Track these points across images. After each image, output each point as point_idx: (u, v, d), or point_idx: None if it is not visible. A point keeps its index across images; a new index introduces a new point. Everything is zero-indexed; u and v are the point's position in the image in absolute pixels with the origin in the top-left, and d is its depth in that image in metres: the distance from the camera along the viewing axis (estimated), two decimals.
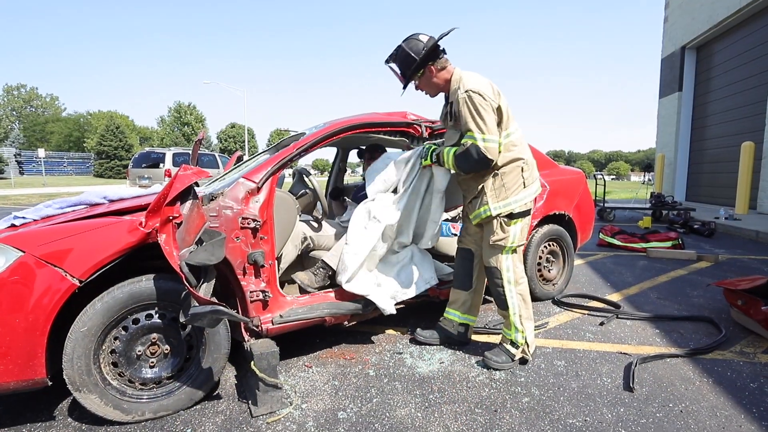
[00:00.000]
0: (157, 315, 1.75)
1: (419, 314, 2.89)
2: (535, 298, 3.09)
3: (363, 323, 2.64)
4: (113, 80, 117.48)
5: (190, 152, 2.43)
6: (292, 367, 2.23)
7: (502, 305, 2.18)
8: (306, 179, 2.65)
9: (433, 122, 2.68)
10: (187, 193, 1.80)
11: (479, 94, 1.97)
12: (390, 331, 2.66)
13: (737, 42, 9.70)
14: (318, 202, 2.63)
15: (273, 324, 2.06)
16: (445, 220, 3.21)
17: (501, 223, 2.10)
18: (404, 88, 2.18)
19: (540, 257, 3.07)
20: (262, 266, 2.03)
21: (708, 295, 3.32)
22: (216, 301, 1.61)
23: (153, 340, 1.75)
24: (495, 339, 2.51)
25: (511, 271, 2.14)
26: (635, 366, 2.09)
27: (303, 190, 2.59)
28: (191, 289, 1.56)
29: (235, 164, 3.65)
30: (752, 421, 1.69)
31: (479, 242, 2.26)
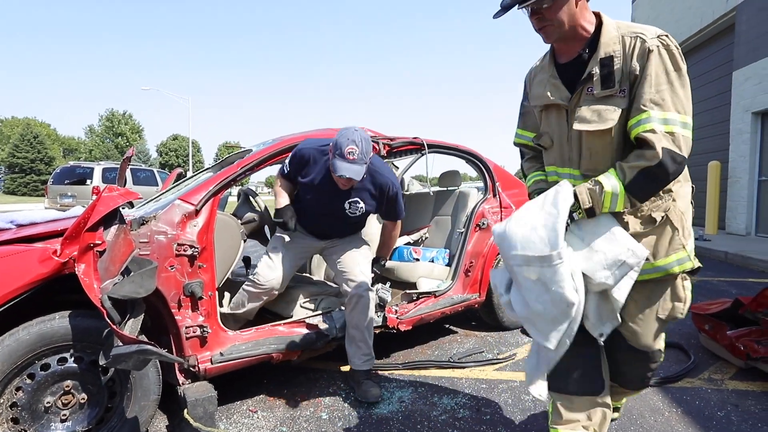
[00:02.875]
0: (73, 358, 1.66)
1: (377, 345, 2.89)
2: (502, 326, 3.18)
3: (316, 359, 2.61)
4: (31, 83, 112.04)
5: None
6: (234, 412, 2.16)
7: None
8: (253, 200, 2.64)
9: (392, 139, 2.74)
10: (113, 217, 1.75)
11: (678, 49, 1.36)
12: (346, 368, 2.64)
13: (700, 62, 10.60)
14: (266, 226, 2.61)
15: (212, 363, 2.00)
16: (406, 244, 3.27)
17: (683, 281, 1.48)
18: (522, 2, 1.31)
19: None
20: (200, 298, 1.98)
21: (679, 321, 3.51)
22: (144, 339, 1.55)
23: (66, 389, 1.65)
24: (461, 374, 2.55)
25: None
26: None
27: (249, 213, 2.57)
28: (114, 326, 1.50)
29: (174, 182, 3.57)
30: None
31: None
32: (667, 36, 1.35)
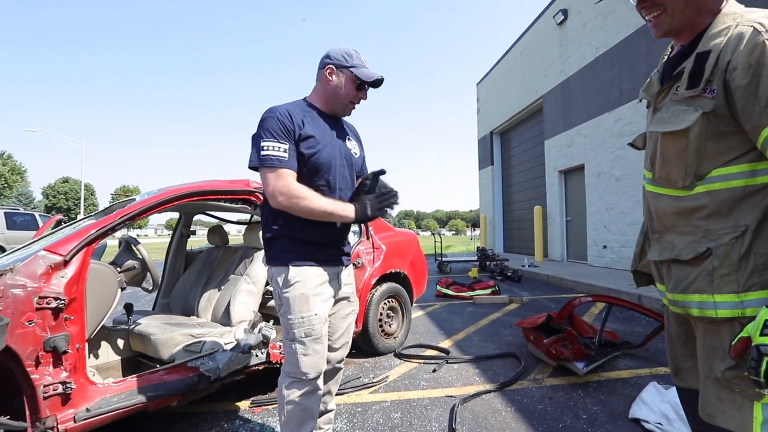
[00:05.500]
0: None
1: (262, 383, 2.70)
2: (378, 352, 3.20)
3: (199, 401, 2.35)
4: None
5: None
6: None
7: None
8: (134, 248, 2.36)
9: None
10: None
11: None
12: (229, 406, 2.41)
13: (524, 132, 12.44)
14: (148, 273, 2.34)
15: (76, 421, 1.68)
16: None
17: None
18: None
19: (381, 314, 3.22)
20: (65, 352, 1.67)
21: (515, 333, 3.89)
22: None
23: None
24: (339, 400, 2.48)
25: None
26: (457, 407, 2.29)
27: (129, 261, 2.29)
28: None
29: (51, 229, 3.05)
30: None
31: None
32: None
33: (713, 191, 0.96)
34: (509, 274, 7.72)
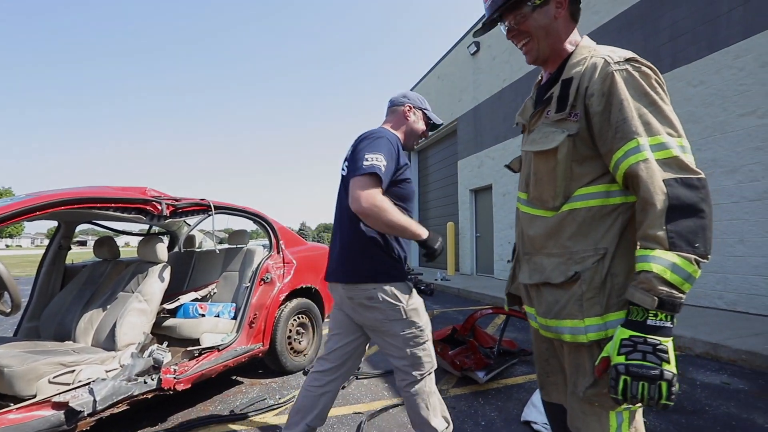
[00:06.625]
0: None
1: (152, 415, 2.44)
2: (286, 371, 3.08)
3: None
4: None
5: None
6: None
7: None
8: None
9: (176, 200, 2.49)
10: None
11: (654, 71, 1.01)
12: None
13: (440, 151, 13.17)
14: (5, 292, 1.99)
15: None
16: (193, 300, 2.94)
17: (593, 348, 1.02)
18: (495, 12, 1.13)
19: (290, 330, 3.11)
20: None
21: None
22: None
23: None
24: (240, 425, 2.33)
25: None
26: (364, 424, 2.28)
27: None
28: None
29: None
30: None
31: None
32: (637, 60, 1.01)
33: (575, 210, 1.02)
34: (422, 287, 7.94)
